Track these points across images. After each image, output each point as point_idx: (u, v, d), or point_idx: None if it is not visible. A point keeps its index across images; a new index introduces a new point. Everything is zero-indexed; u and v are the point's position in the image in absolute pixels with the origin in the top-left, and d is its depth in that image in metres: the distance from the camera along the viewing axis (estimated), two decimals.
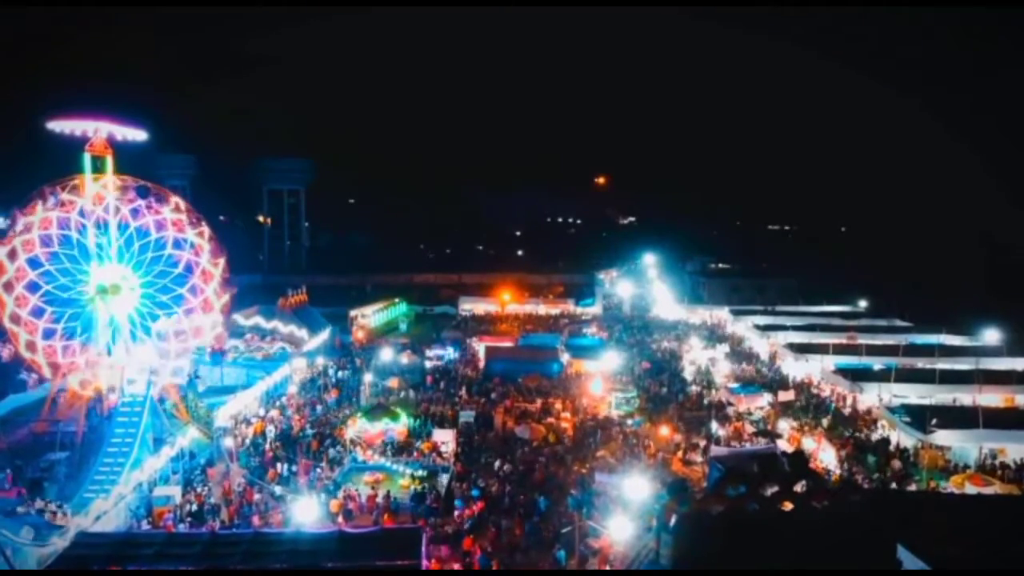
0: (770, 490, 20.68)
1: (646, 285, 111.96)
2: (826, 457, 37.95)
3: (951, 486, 33.06)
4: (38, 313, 38.84)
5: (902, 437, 40.28)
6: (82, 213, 38.00)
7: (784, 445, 39.93)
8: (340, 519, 30.99)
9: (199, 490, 32.97)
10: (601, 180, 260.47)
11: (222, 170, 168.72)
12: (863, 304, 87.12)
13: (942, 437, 38.05)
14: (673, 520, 20.04)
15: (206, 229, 39.64)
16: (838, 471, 36.41)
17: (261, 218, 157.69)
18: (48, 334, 39.15)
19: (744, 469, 22.81)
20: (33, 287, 38.48)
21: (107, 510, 27.92)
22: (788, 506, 20.02)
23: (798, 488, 21.08)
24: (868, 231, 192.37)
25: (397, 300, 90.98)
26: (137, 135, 39.54)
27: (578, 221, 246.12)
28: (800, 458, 24.37)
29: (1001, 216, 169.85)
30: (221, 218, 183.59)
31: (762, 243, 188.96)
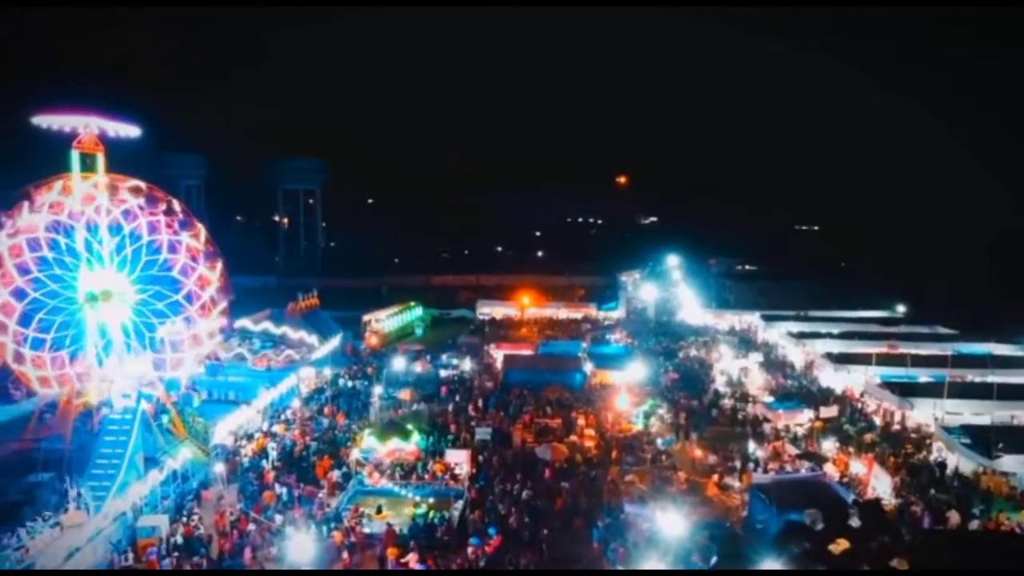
0: (840, 548, 17.34)
1: (670, 288, 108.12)
2: (879, 484, 34.36)
3: None
4: (26, 321, 36.33)
5: (961, 461, 36.65)
6: (71, 216, 35.42)
7: (830, 469, 36.55)
8: (345, 556, 28.10)
9: (187, 520, 29.99)
10: (622, 179, 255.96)
11: (237, 170, 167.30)
12: (901, 309, 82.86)
13: (1009, 463, 34.38)
14: None
15: (202, 231, 36.80)
16: (894, 500, 32.78)
17: (277, 218, 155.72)
18: (37, 344, 36.64)
19: (807, 519, 19.38)
20: (20, 294, 35.98)
21: (80, 546, 25.09)
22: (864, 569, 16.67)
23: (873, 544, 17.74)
24: (900, 232, 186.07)
25: (413, 304, 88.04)
26: (130, 131, 36.73)
27: (599, 221, 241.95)
28: (875, 509, 20.98)
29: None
30: (239, 218, 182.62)
31: (788, 244, 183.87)
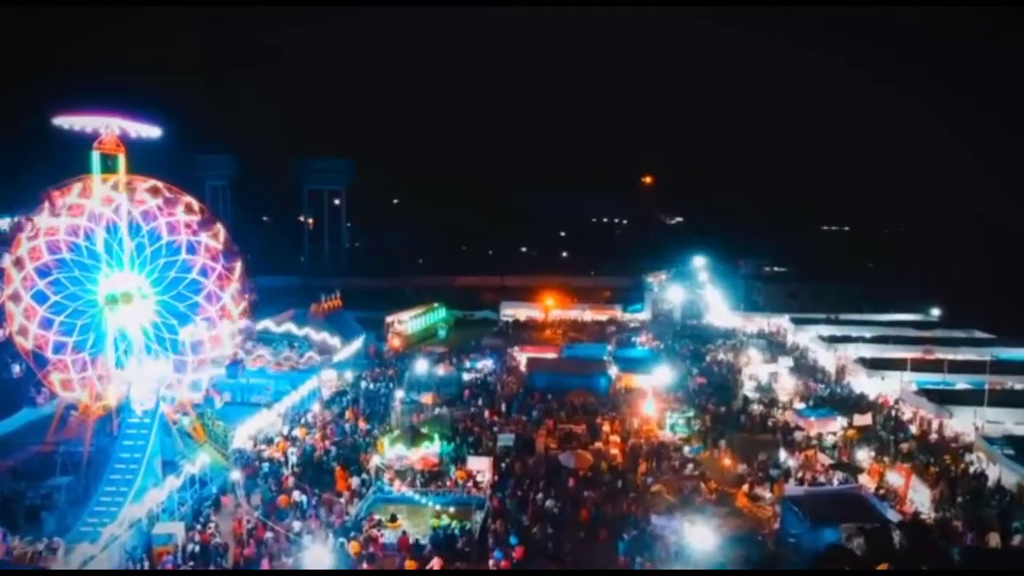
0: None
1: (697, 289, 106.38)
2: (918, 497, 33.00)
3: None
4: (46, 325, 36.21)
5: (1004, 473, 35.16)
6: (91, 217, 35.18)
7: (865, 479, 35.28)
8: (365, 566, 27.43)
9: (201, 528, 29.40)
10: (647, 179, 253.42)
11: (263, 170, 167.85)
12: (936, 312, 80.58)
13: None
14: None
15: (221, 230, 36.27)
16: (933, 514, 31.44)
17: (302, 218, 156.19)
18: (58, 348, 36.49)
19: (843, 534, 18.27)
20: (41, 298, 35.87)
21: (95, 554, 24.62)
22: None
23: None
24: (932, 232, 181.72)
25: (436, 305, 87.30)
26: (151, 132, 36.47)
27: (624, 221, 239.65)
28: (921, 532, 19.81)
29: None
30: (264, 219, 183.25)
31: (817, 244, 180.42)
